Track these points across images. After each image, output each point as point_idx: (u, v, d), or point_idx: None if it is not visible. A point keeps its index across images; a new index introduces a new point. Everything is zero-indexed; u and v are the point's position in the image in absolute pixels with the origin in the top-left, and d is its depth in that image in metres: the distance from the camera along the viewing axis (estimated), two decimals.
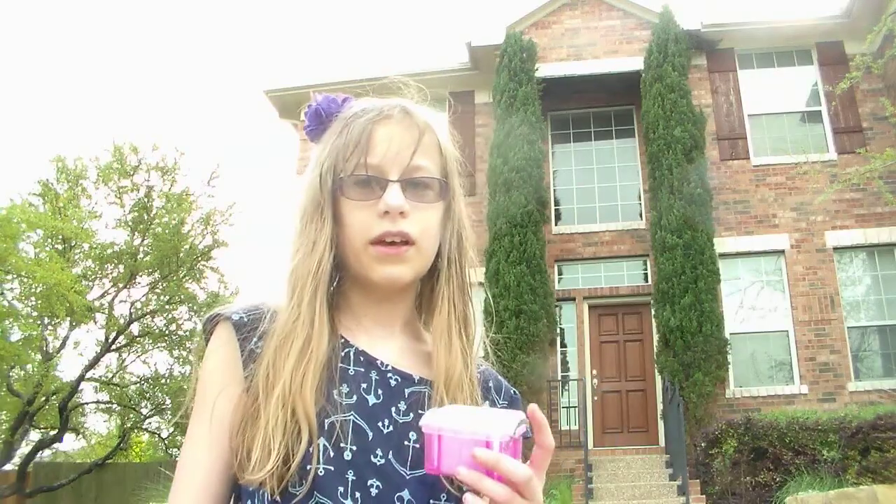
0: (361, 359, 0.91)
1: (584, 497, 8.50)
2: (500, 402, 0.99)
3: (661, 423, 10.44)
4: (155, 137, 24.86)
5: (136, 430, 18.31)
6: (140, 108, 58.21)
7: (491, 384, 1.01)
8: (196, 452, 0.86)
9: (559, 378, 10.82)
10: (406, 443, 0.87)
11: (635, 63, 11.55)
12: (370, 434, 0.86)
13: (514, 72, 11.32)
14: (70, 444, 21.33)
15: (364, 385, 0.89)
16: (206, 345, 0.92)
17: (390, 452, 0.86)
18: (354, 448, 0.84)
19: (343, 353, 0.90)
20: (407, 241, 0.88)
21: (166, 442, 19.48)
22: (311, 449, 0.81)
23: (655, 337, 10.46)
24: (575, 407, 10.49)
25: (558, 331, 11.01)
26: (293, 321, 0.86)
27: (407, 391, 0.91)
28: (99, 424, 21.66)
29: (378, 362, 0.91)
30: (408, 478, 0.85)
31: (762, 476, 8.32)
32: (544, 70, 11.64)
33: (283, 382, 0.83)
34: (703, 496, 8.41)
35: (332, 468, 0.82)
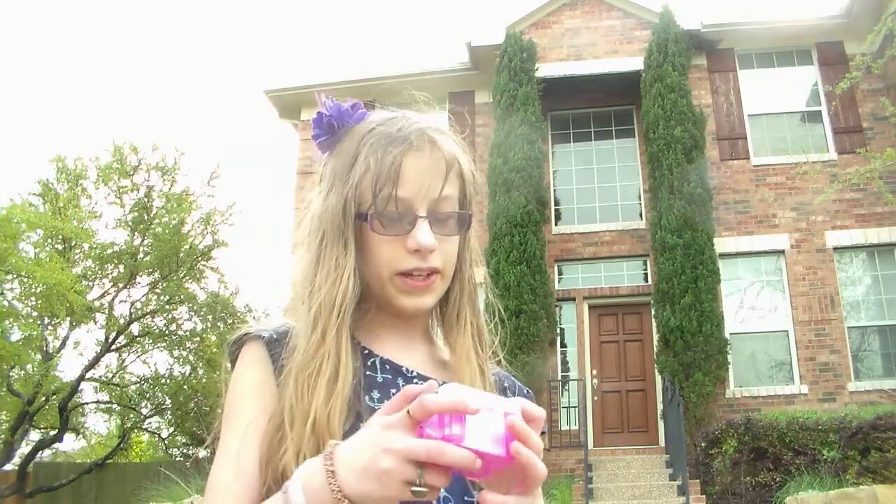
0: (387, 367, 0.92)
1: (584, 497, 8.50)
2: None
3: (661, 423, 10.44)
4: (155, 137, 24.87)
5: (136, 430, 18.30)
6: (140, 108, 58.21)
7: (506, 385, 1.04)
8: (227, 475, 0.84)
9: (559, 378, 10.83)
10: None
11: (635, 63, 11.55)
12: None
13: (514, 72, 11.32)
14: (70, 444, 21.32)
15: (393, 391, 0.90)
16: (232, 364, 0.91)
17: None
18: None
19: (369, 363, 0.92)
20: (433, 272, 0.89)
21: (166, 442, 19.47)
22: None
23: (655, 337, 10.46)
24: (575, 407, 10.50)
25: (558, 331, 11.02)
26: (317, 351, 0.85)
27: None
28: (99, 424, 21.67)
29: (404, 369, 0.93)
30: None
31: (762, 476, 8.33)
32: (544, 70, 11.64)
33: (312, 418, 0.82)
34: (703, 496, 8.41)
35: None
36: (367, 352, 0.92)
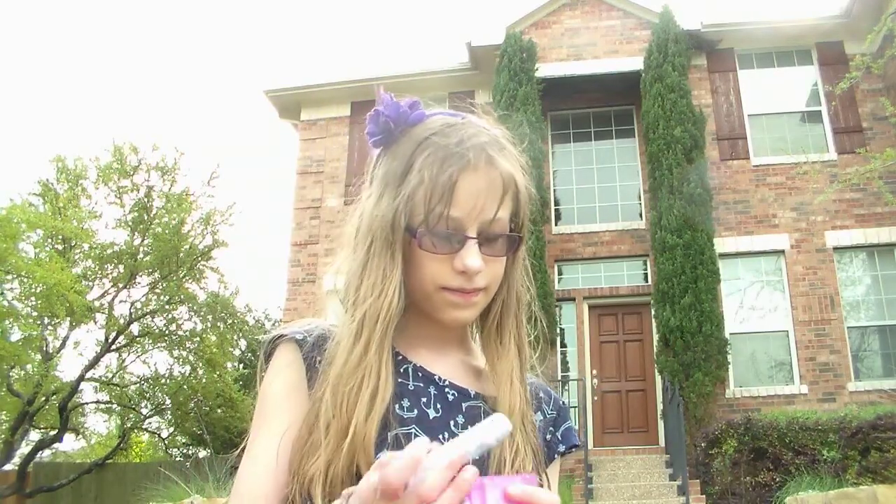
0: (420, 374, 0.91)
1: (584, 497, 8.50)
2: (550, 412, 1.02)
3: (661, 423, 10.44)
4: (155, 137, 24.88)
5: (136, 430, 18.31)
6: (140, 108, 58.20)
7: (541, 394, 1.03)
8: (261, 481, 0.83)
9: (559, 378, 10.82)
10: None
11: (635, 63, 11.55)
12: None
13: (514, 72, 11.32)
14: (70, 444, 21.35)
15: (424, 399, 0.89)
16: (266, 365, 0.91)
17: None
18: None
19: (402, 370, 0.90)
20: (478, 290, 0.89)
21: (166, 442, 19.48)
22: None
23: (655, 337, 10.46)
24: (575, 407, 10.49)
25: (558, 331, 11.01)
26: (358, 365, 0.83)
27: (464, 405, 0.92)
28: (99, 424, 21.72)
29: (436, 377, 0.92)
30: None
31: (762, 476, 8.33)
32: (544, 70, 11.64)
33: (351, 433, 0.80)
34: (703, 496, 8.41)
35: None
36: (400, 357, 0.91)
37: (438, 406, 0.90)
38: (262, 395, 0.88)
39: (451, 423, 0.90)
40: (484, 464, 0.91)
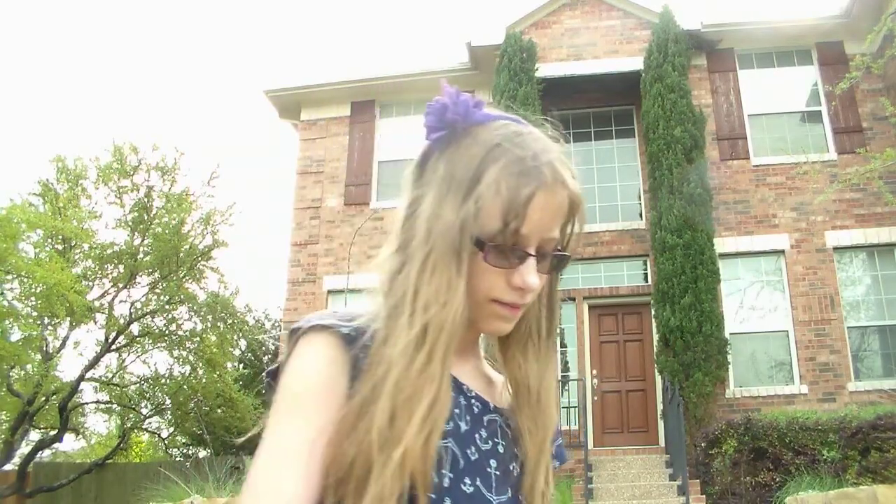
0: (452, 383, 0.87)
1: (584, 497, 8.50)
2: None
3: (661, 423, 10.44)
4: (155, 137, 24.88)
5: (136, 430, 18.31)
6: (140, 108, 58.21)
7: None
8: (291, 481, 0.77)
9: (559, 378, 10.82)
10: (488, 469, 0.88)
11: (635, 63, 11.55)
12: (462, 462, 0.85)
13: (514, 72, 11.32)
14: (70, 444, 21.36)
15: (457, 411, 0.88)
16: (297, 349, 0.84)
17: (478, 479, 0.86)
18: (451, 476, 0.83)
19: None
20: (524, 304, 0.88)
21: (166, 442, 19.48)
22: None
23: (655, 337, 10.46)
24: (575, 407, 10.49)
25: (558, 331, 10.99)
26: (419, 374, 0.79)
27: (485, 419, 0.91)
28: (99, 424, 21.73)
29: (465, 388, 0.91)
30: (495, 503, 0.87)
31: (762, 476, 8.33)
32: (544, 70, 11.64)
33: (406, 445, 0.76)
34: (703, 496, 8.41)
35: (434, 496, 0.80)
36: None
37: (468, 418, 0.89)
38: (297, 381, 0.81)
39: (476, 435, 0.89)
40: (518, 485, 0.91)
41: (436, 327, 0.80)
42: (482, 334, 0.98)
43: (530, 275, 0.84)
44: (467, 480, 0.85)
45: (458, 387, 0.89)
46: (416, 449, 0.76)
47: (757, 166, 11.25)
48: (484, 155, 0.84)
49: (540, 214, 0.83)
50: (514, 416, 0.93)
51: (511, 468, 0.90)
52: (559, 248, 0.89)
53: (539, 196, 0.83)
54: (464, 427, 0.87)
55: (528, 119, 0.96)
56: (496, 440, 0.90)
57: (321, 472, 0.77)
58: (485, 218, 0.82)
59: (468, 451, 0.86)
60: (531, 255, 0.85)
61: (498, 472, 0.88)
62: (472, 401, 0.91)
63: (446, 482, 0.82)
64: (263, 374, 0.92)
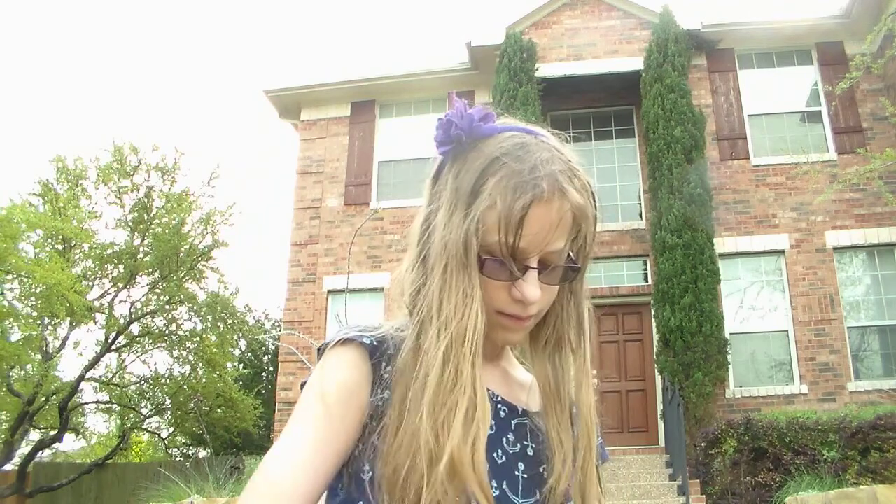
0: None
1: None
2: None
3: (660, 423, 10.44)
4: (155, 137, 24.89)
5: (136, 430, 18.30)
6: (140, 109, 58.22)
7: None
8: (299, 449, 0.82)
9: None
10: (516, 473, 0.90)
11: (635, 63, 11.55)
12: (488, 465, 0.86)
13: (514, 72, 11.32)
14: (70, 444, 21.34)
15: None
16: (322, 361, 0.88)
17: (504, 483, 0.88)
18: None
19: None
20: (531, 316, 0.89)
21: (166, 442, 19.48)
22: None
23: (655, 337, 10.46)
24: None
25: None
26: (452, 386, 0.81)
27: (513, 422, 0.93)
28: (99, 424, 21.72)
29: (490, 392, 0.91)
30: None
31: (762, 476, 8.33)
32: (544, 70, 11.64)
33: (449, 455, 0.79)
34: (703, 496, 8.41)
35: (461, 500, 0.82)
36: None
37: (493, 423, 0.90)
38: (317, 390, 0.85)
39: (504, 439, 0.91)
40: (547, 488, 0.91)
41: (457, 340, 0.82)
42: None
43: (530, 288, 0.85)
44: (494, 483, 0.87)
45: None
46: (463, 458, 0.78)
47: (757, 166, 11.25)
48: (484, 168, 0.85)
49: (538, 227, 0.83)
50: (544, 420, 0.94)
51: (542, 470, 0.92)
52: (571, 258, 0.89)
53: (535, 209, 0.83)
54: (490, 432, 0.88)
55: (527, 120, 0.96)
56: (525, 443, 0.92)
57: (326, 476, 0.82)
58: (485, 231, 0.84)
59: (494, 455, 0.88)
60: (532, 267, 0.85)
61: (526, 476, 0.90)
62: (499, 406, 0.93)
63: None
64: (300, 385, 0.94)
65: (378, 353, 0.87)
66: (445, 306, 0.84)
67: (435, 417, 0.80)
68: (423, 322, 0.85)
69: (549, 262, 0.86)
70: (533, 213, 0.83)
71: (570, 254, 0.89)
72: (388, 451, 0.81)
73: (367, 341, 0.87)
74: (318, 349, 0.91)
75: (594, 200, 0.91)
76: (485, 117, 0.89)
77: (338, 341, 0.88)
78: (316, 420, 0.83)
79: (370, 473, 0.83)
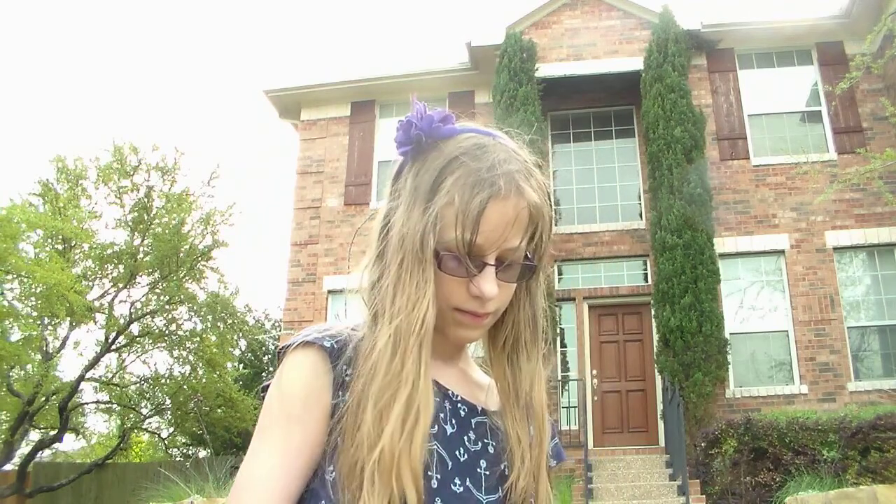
0: (436, 388, 0.91)
1: (584, 497, 8.50)
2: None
3: (661, 423, 10.44)
4: (155, 137, 24.90)
5: (136, 430, 18.31)
6: (140, 109, 58.23)
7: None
8: (268, 470, 0.83)
9: (559, 378, 10.82)
10: (478, 470, 0.91)
11: (635, 63, 11.55)
12: (450, 463, 0.89)
13: (514, 72, 11.32)
14: (70, 444, 21.35)
15: (441, 415, 0.91)
16: (282, 365, 0.89)
17: (467, 480, 0.89)
18: (439, 477, 0.87)
19: None
20: (488, 314, 0.90)
21: (166, 442, 19.49)
22: None
23: (655, 337, 10.46)
24: (575, 407, 10.50)
25: (558, 331, 11.01)
26: (395, 378, 0.83)
27: (473, 421, 0.94)
28: (99, 424, 21.72)
29: (450, 392, 0.94)
30: (484, 503, 0.90)
31: (762, 476, 8.33)
32: (544, 70, 11.64)
33: (380, 447, 0.80)
34: (703, 496, 8.41)
35: (424, 496, 0.83)
36: None
37: (454, 421, 0.92)
38: (280, 396, 0.86)
39: (465, 438, 0.92)
40: (503, 486, 0.93)
41: (406, 331, 0.84)
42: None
43: (486, 284, 0.86)
44: (457, 481, 0.88)
45: (443, 392, 0.92)
46: (394, 449, 0.80)
47: (757, 166, 11.25)
48: (443, 167, 0.87)
49: (494, 224, 0.85)
50: (503, 419, 0.95)
51: (503, 467, 0.93)
52: (528, 257, 0.90)
53: (492, 206, 0.84)
54: (450, 430, 0.91)
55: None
56: (486, 441, 0.93)
57: (298, 482, 0.83)
58: (444, 228, 0.85)
59: (456, 453, 0.90)
60: (489, 264, 0.86)
61: (488, 473, 0.92)
62: (459, 405, 0.94)
63: (434, 483, 0.85)
64: (259, 388, 0.95)
65: (338, 354, 0.88)
66: (398, 299, 0.85)
67: (378, 408, 0.82)
68: (377, 316, 0.87)
69: (505, 259, 0.88)
70: (490, 209, 0.84)
71: (528, 254, 0.90)
72: (346, 450, 0.82)
73: (328, 344, 0.88)
74: (278, 353, 0.90)
75: (550, 201, 0.93)
76: (444, 119, 0.91)
77: (298, 344, 0.88)
78: (284, 433, 0.84)
79: (333, 474, 0.84)
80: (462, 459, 0.90)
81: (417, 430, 0.82)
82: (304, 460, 0.84)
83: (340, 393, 0.86)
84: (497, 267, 0.87)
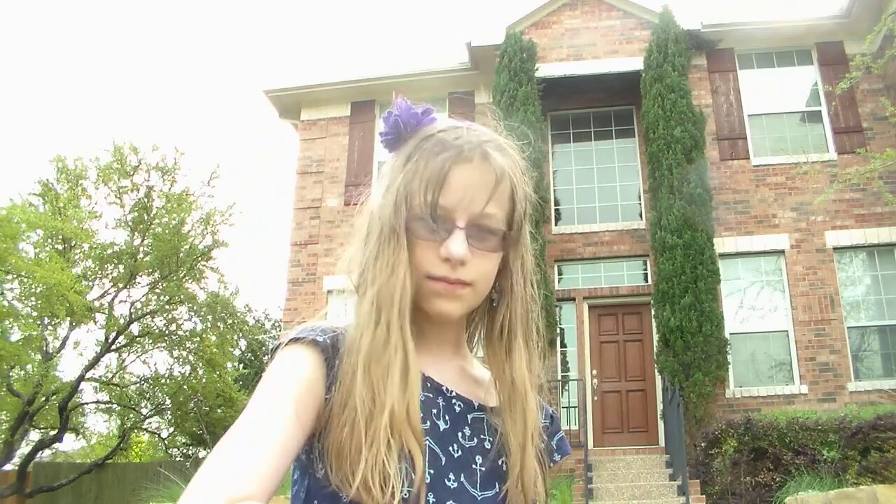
0: (428, 384, 0.92)
1: (584, 497, 8.50)
2: (543, 421, 1.03)
3: (661, 423, 10.44)
4: (155, 137, 24.90)
5: (136, 430, 18.31)
6: (140, 109, 58.23)
7: (550, 412, 1.07)
8: (239, 442, 0.75)
9: (559, 378, 10.82)
10: (473, 466, 0.91)
11: (635, 63, 11.55)
12: (443, 458, 0.89)
13: (514, 72, 11.32)
14: (70, 444, 21.34)
15: (434, 411, 0.91)
16: (272, 361, 0.86)
17: (462, 475, 0.90)
18: (432, 471, 0.87)
19: None
20: (461, 283, 0.89)
21: (166, 442, 19.48)
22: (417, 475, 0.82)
23: (655, 337, 10.46)
24: (575, 407, 10.49)
25: (558, 331, 11.01)
26: (384, 344, 0.83)
27: (469, 417, 0.94)
28: (99, 424, 21.70)
29: (444, 388, 0.94)
30: (479, 499, 0.90)
31: (762, 476, 8.33)
32: (544, 70, 11.64)
33: (389, 409, 0.80)
34: (703, 496, 8.41)
35: (415, 490, 0.83)
36: None
37: (447, 418, 0.92)
38: (272, 389, 0.82)
39: (459, 434, 0.92)
40: (500, 482, 0.92)
41: (385, 298, 0.85)
42: (465, 335, 1.00)
43: (455, 243, 0.86)
44: (451, 476, 0.88)
45: (436, 388, 0.92)
46: (401, 412, 0.81)
47: (757, 166, 11.25)
48: (416, 145, 0.91)
49: (460, 187, 0.87)
50: (501, 414, 0.94)
51: (500, 464, 0.93)
52: (507, 228, 0.91)
53: (457, 169, 0.87)
54: (443, 426, 0.90)
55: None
56: (483, 437, 0.93)
57: (280, 456, 0.75)
58: (412, 194, 0.88)
59: (450, 449, 0.90)
60: (458, 227, 0.87)
61: (484, 469, 0.91)
62: (453, 401, 0.93)
63: (428, 478, 0.85)
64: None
65: (331, 351, 0.87)
66: (377, 268, 0.87)
67: (370, 376, 0.82)
68: (359, 288, 0.90)
69: (480, 226, 0.88)
70: (454, 171, 0.87)
71: (508, 232, 0.91)
72: (334, 430, 0.81)
73: (321, 340, 0.87)
74: (271, 349, 0.89)
75: (525, 177, 0.95)
76: (425, 112, 0.94)
77: (291, 340, 0.88)
78: (274, 419, 0.78)
79: (323, 471, 0.83)
80: (456, 455, 0.90)
81: (414, 396, 0.83)
82: (282, 449, 0.76)
83: (333, 389, 0.85)
84: (469, 233, 0.88)
